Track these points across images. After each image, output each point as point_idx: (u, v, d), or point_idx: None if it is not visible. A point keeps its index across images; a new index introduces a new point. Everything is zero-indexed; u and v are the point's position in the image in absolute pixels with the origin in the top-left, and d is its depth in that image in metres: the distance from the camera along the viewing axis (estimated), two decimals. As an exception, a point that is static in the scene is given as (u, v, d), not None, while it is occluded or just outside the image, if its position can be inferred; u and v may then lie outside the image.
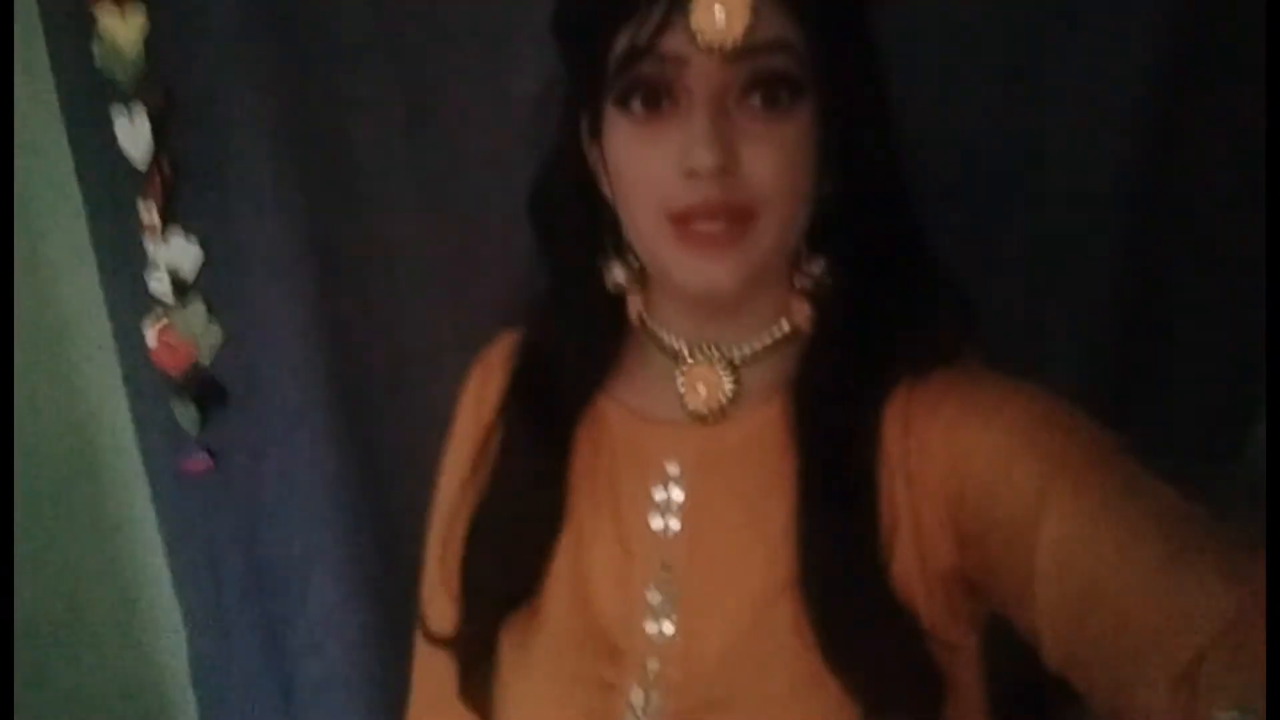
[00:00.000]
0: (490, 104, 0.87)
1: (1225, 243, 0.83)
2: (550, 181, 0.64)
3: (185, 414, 0.95)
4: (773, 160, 0.53)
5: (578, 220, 0.61)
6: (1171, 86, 0.80)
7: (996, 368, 0.59)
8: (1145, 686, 0.44)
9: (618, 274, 0.62)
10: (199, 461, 0.96)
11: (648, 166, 0.55)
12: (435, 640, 0.68)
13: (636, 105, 0.54)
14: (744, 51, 0.51)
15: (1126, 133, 0.81)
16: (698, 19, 0.51)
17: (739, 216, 0.54)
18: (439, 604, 0.69)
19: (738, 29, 0.50)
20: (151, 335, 0.93)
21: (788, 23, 0.52)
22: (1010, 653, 0.55)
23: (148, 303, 0.93)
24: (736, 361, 0.61)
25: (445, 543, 0.68)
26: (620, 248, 0.62)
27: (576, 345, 0.65)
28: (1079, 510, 0.48)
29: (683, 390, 0.61)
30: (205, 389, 0.94)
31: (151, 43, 0.87)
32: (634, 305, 0.63)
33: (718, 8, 0.50)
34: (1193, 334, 0.86)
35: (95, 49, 0.87)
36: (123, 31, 0.87)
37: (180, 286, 0.93)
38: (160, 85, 0.88)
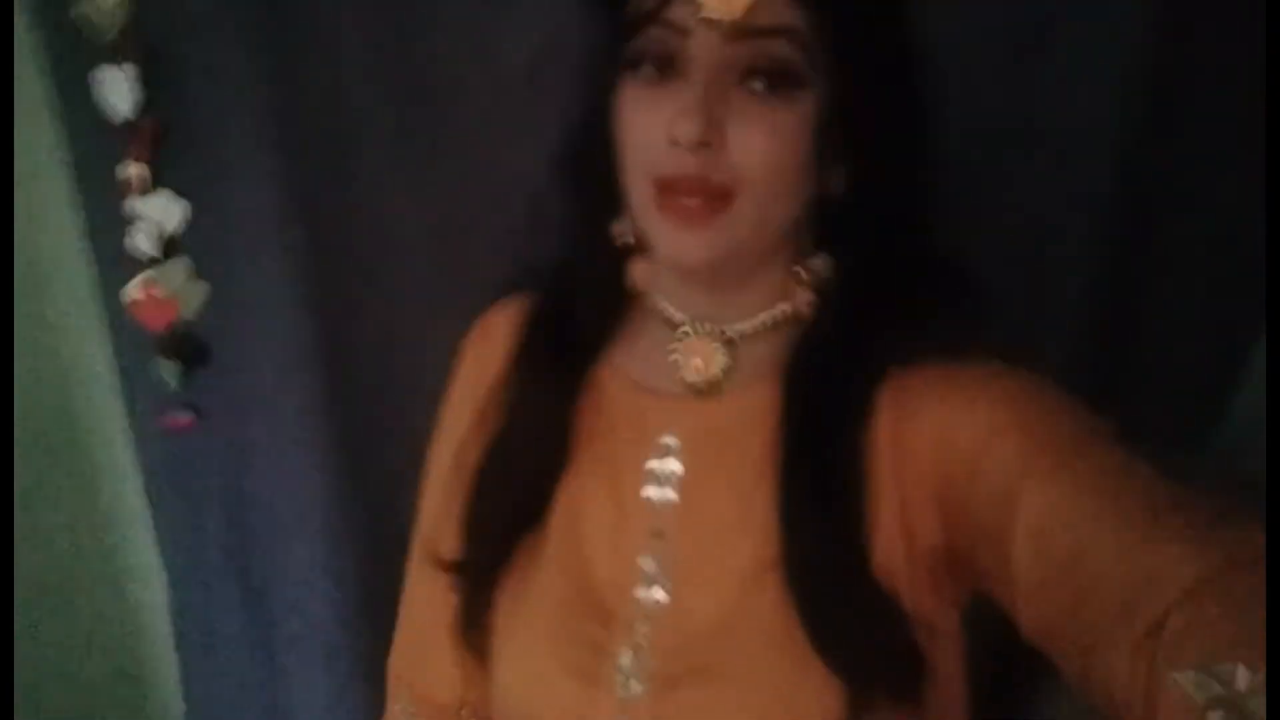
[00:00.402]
0: (485, 67, 0.86)
1: (1201, 238, 0.84)
2: (579, 140, 0.64)
3: (168, 370, 0.95)
4: (760, 144, 0.54)
5: (603, 180, 0.62)
6: (1158, 85, 0.81)
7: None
8: (1110, 649, 0.45)
9: (623, 226, 0.63)
10: (181, 419, 0.96)
11: (644, 131, 0.56)
12: (444, 565, 0.69)
13: (648, 70, 0.55)
14: (746, 32, 0.52)
15: (1115, 118, 0.82)
16: None
17: (716, 194, 0.54)
18: (446, 534, 0.70)
19: (738, 7, 0.51)
20: (134, 289, 0.93)
21: (795, 10, 0.53)
22: (987, 635, 0.57)
23: (132, 260, 0.92)
24: (734, 338, 0.62)
25: (455, 473, 0.69)
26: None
27: (588, 305, 0.66)
28: (1058, 482, 0.50)
29: (679, 360, 0.63)
30: (188, 346, 0.94)
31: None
32: (640, 271, 0.64)
33: None
34: (1165, 327, 0.88)
35: (73, 6, 0.85)
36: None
37: (165, 242, 0.92)
38: (144, 42, 0.87)
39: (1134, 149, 0.82)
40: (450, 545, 0.69)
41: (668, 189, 0.55)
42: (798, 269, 0.61)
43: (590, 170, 0.62)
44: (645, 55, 0.55)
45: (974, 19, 0.79)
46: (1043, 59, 0.81)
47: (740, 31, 0.52)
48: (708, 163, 0.54)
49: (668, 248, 0.57)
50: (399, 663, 0.75)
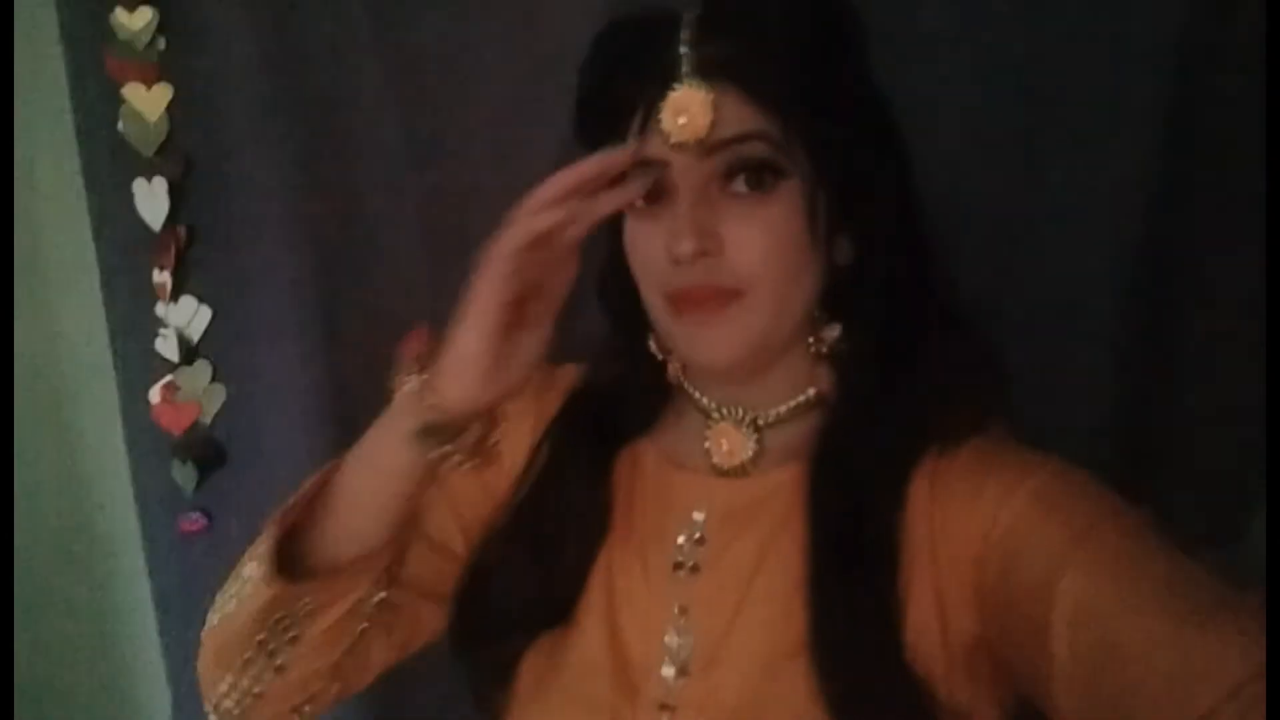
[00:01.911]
0: (503, 176, 0.89)
1: (1236, 295, 0.82)
2: (613, 260, 0.67)
3: (183, 473, 0.95)
4: (757, 241, 0.56)
5: (630, 299, 0.64)
6: (1175, 132, 0.81)
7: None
8: None
9: (655, 345, 0.66)
10: (194, 522, 0.96)
11: (647, 252, 0.59)
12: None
13: (639, 201, 0.58)
14: (716, 145, 0.56)
15: (1132, 189, 0.82)
16: (666, 123, 0.55)
17: (726, 297, 0.57)
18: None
19: (699, 126, 0.55)
20: (155, 393, 0.95)
21: (757, 114, 0.56)
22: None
23: (155, 366, 0.95)
24: (761, 423, 0.63)
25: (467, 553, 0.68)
26: None
27: (628, 395, 0.69)
28: (1098, 574, 0.49)
29: (709, 445, 0.64)
30: (205, 450, 0.96)
31: (174, 114, 0.91)
32: (674, 367, 0.67)
33: (680, 116, 0.55)
34: (1195, 413, 0.86)
35: (121, 121, 0.90)
36: (147, 104, 0.91)
37: (187, 348, 0.95)
38: (181, 155, 0.92)
39: (1148, 229, 0.82)
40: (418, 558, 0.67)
41: (677, 300, 0.58)
42: (812, 340, 0.62)
43: (619, 295, 0.66)
44: None
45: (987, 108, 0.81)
46: (1054, 142, 0.82)
47: (712, 146, 0.55)
48: (711, 268, 0.56)
49: (692, 351, 0.60)
50: None
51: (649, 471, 0.67)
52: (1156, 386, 0.86)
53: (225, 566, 0.95)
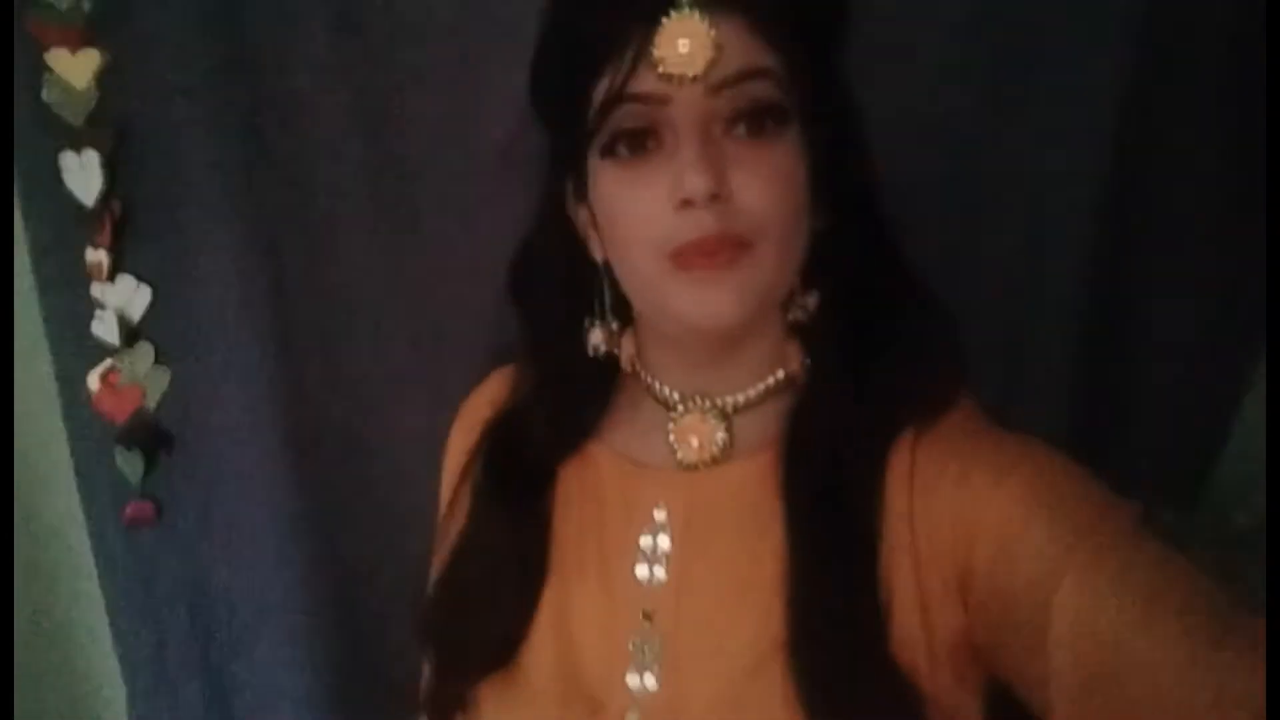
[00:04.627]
0: (456, 148, 0.87)
1: (1193, 275, 0.84)
2: (536, 252, 0.64)
3: (128, 462, 0.91)
4: (764, 186, 0.53)
5: (565, 287, 0.61)
6: (1142, 108, 0.81)
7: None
8: None
9: (597, 338, 0.62)
10: (141, 510, 0.92)
11: (640, 206, 0.54)
12: (410, 703, 0.67)
13: (622, 151, 0.54)
14: (725, 82, 0.52)
15: (1097, 155, 0.82)
16: (662, 53, 0.51)
17: (737, 245, 0.53)
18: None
19: (701, 60, 0.51)
20: (95, 380, 0.91)
21: (763, 50, 0.52)
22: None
23: (92, 347, 0.90)
24: (729, 410, 0.61)
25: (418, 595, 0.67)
26: (603, 311, 0.62)
27: (562, 404, 0.65)
28: (1096, 586, 0.48)
29: (674, 441, 0.61)
30: (150, 436, 0.92)
31: (104, 83, 0.86)
32: (627, 353, 0.63)
33: (680, 40, 0.51)
34: (1153, 376, 0.87)
35: (45, 87, 0.85)
36: (74, 70, 0.85)
37: (128, 330, 0.90)
38: (112, 126, 0.87)
39: (1116, 186, 0.83)
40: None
41: (685, 254, 0.53)
42: (792, 309, 0.59)
43: (550, 279, 0.62)
44: (618, 137, 0.54)
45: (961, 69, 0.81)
46: (1026, 107, 0.82)
47: (721, 83, 0.52)
48: (723, 215, 0.52)
49: (694, 312, 0.55)
50: None
51: (605, 474, 0.64)
52: (1115, 361, 0.87)
53: (177, 556, 0.93)
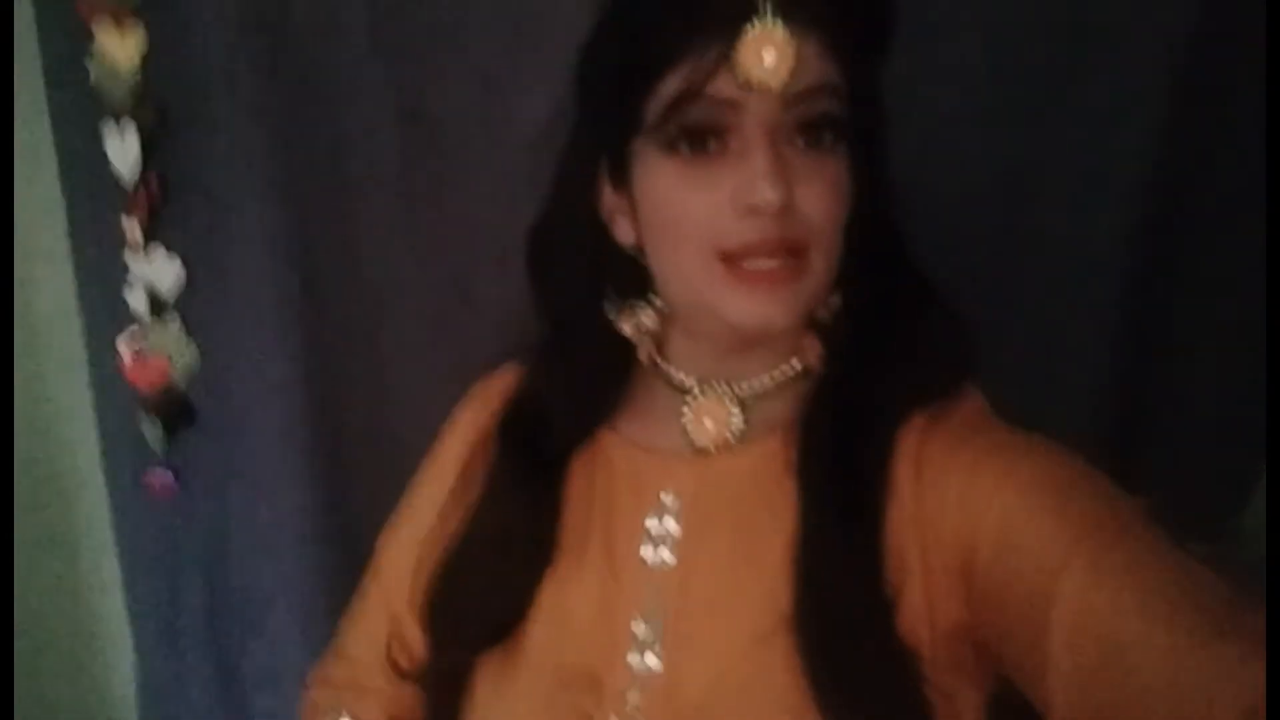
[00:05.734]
0: (491, 141, 0.87)
1: (1236, 278, 0.83)
2: (557, 228, 0.64)
3: (152, 431, 0.93)
4: (822, 197, 0.54)
5: (586, 267, 0.62)
6: (1176, 125, 0.81)
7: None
8: None
9: (645, 319, 0.62)
10: (162, 479, 0.94)
11: (697, 206, 0.55)
12: (405, 675, 0.68)
13: (684, 148, 0.55)
14: (799, 96, 0.53)
15: (1132, 173, 0.82)
16: (744, 62, 0.51)
17: (794, 252, 0.54)
18: (409, 632, 0.69)
19: (784, 72, 0.51)
20: (125, 350, 0.92)
21: (833, 66, 0.53)
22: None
23: (123, 317, 0.92)
24: (745, 397, 0.61)
25: (418, 569, 0.67)
26: (642, 293, 0.62)
27: (580, 388, 0.65)
28: (1100, 578, 0.47)
29: (688, 424, 0.62)
30: (175, 408, 0.93)
31: (147, 61, 0.87)
32: (645, 349, 0.63)
33: (766, 51, 0.51)
34: (1191, 402, 0.86)
35: (90, 65, 0.87)
36: (120, 49, 0.87)
37: (158, 303, 0.92)
38: (153, 103, 0.88)
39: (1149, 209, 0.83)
40: (414, 643, 0.69)
41: (738, 257, 0.54)
42: (818, 309, 0.60)
43: (571, 257, 0.63)
44: (682, 134, 0.54)
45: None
46: (1049, 116, 0.82)
47: (796, 96, 0.53)
48: (784, 224, 0.53)
49: (745, 318, 0.55)
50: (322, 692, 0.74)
51: (614, 460, 0.64)
52: (1154, 370, 0.86)
53: (193, 525, 0.94)
